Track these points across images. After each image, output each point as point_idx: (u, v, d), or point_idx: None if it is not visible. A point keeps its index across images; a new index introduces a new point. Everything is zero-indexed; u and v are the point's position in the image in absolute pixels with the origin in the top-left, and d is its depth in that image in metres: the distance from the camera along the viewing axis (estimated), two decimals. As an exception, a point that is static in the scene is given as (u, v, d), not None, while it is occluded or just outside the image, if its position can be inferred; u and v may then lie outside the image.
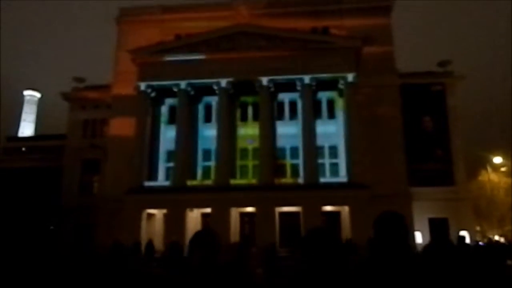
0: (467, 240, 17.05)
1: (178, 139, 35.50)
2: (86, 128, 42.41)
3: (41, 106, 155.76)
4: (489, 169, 45.10)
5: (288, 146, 37.06)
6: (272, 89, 35.97)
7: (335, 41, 35.77)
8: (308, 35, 36.96)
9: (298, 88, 35.37)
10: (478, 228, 47.35)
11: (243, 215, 35.33)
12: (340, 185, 32.94)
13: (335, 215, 34.15)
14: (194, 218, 35.10)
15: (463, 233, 21.90)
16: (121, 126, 37.85)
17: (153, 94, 37.21)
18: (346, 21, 38.35)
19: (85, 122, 42.40)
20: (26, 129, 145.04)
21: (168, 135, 37.82)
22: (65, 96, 43.75)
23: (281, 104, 38.02)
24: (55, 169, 41.74)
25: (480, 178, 49.41)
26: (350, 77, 34.49)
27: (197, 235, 2.61)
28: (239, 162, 37.44)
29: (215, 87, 35.86)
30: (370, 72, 35.77)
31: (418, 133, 37.40)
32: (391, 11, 39.36)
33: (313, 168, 33.52)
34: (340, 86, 35.33)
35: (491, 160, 44.79)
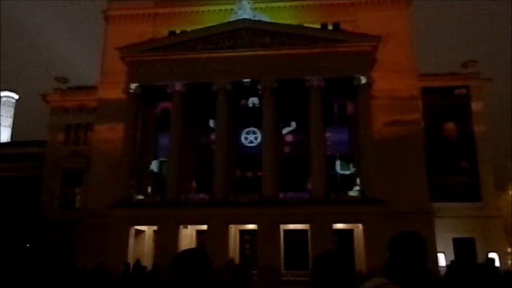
0: (497, 263, 16.91)
1: (172, 147, 35.52)
2: (69, 134, 42.49)
3: (20, 109, 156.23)
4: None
5: (294, 155, 37.01)
6: (277, 92, 35.97)
7: (348, 39, 35.89)
8: (318, 32, 37.11)
9: (306, 91, 35.38)
10: (509, 250, 46.90)
11: (243, 232, 35.21)
12: (353, 200, 32.83)
13: (348, 233, 34.03)
14: (188, 236, 35.02)
15: (492, 255, 21.76)
16: (108, 132, 37.94)
17: (144, 97, 37.36)
18: (359, 15, 38.46)
19: (68, 127, 42.49)
20: (2, 134, 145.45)
21: (160, 143, 37.87)
22: (45, 98, 43.93)
23: (287, 109, 38.01)
24: (34, 179, 41.74)
25: (511, 192, 49.11)
26: (363, 79, 34.47)
27: (183, 254, 2.56)
28: (239, 173, 37.41)
29: (214, 89, 35.92)
30: (387, 73, 35.74)
31: (440, 141, 37.35)
32: (410, 4, 39.45)
33: (323, 181, 33.44)
34: (353, 89, 35.30)
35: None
